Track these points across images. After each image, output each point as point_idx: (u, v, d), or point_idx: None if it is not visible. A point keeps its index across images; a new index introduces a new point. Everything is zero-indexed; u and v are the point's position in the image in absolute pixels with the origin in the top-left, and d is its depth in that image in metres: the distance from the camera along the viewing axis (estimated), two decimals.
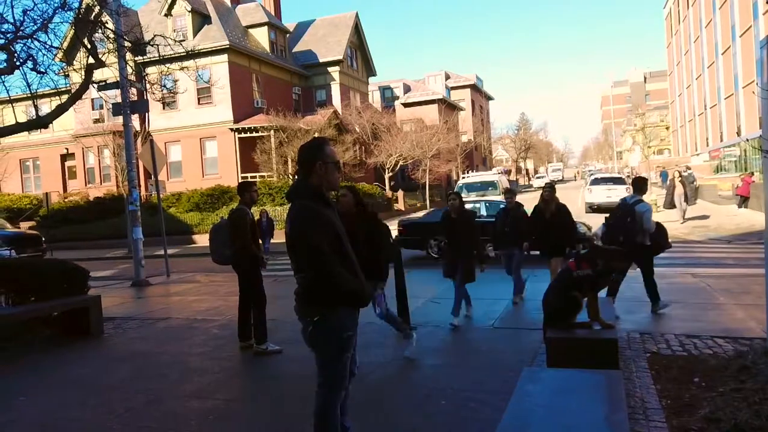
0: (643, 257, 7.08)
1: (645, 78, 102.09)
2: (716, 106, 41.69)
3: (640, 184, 7.40)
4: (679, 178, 19.14)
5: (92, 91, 17.15)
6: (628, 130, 79.76)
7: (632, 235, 6.91)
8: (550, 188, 8.16)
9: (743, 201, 21.50)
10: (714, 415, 3.69)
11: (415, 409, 4.38)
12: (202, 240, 21.27)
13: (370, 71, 39.91)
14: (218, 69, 27.50)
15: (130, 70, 13.47)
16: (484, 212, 13.85)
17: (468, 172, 34.81)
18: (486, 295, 8.44)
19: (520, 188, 54.52)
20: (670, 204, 19.96)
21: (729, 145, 37.06)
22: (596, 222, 20.52)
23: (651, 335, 5.97)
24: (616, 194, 25.02)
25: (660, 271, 10.38)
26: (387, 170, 32.08)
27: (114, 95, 13.58)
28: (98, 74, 11.34)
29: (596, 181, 26.83)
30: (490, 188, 22.01)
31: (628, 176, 34.97)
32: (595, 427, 2.63)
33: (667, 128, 65.85)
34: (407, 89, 48.33)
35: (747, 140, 23.35)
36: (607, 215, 7.67)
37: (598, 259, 4.64)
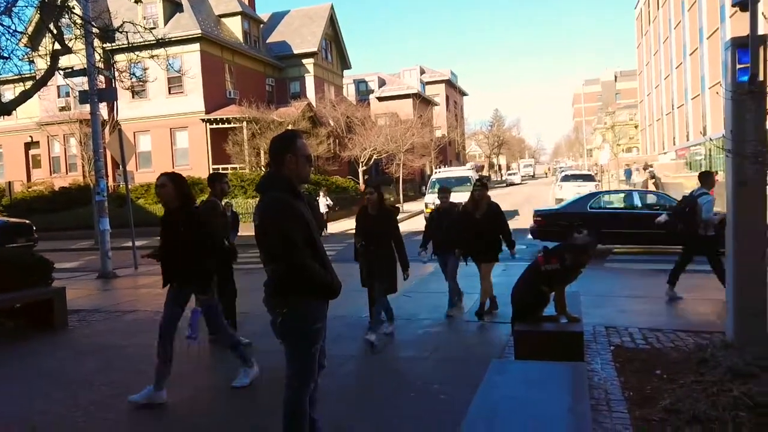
0: (707, 248, 7.40)
1: (616, 77, 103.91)
2: (683, 106, 42.72)
3: (705, 178, 7.76)
4: (653, 180, 17.54)
5: (58, 78, 16.68)
6: (598, 128, 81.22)
7: (693, 226, 7.38)
8: (480, 186, 7.25)
9: None
10: (674, 406, 3.80)
11: (385, 401, 4.41)
12: None
13: (345, 64, 39.72)
14: (190, 58, 27.02)
15: (98, 57, 13.13)
16: (638, 203, 13.15)
17: (441, 167, 34.95)
18: None
19: (493, 184, 55.02)
20: None
21: (694, 144, 38.02)
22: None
23: (616, 329, 6.11)
24: (586, 191, 25.56)
25: (625, 266, 10.68)
26: (361, 164, 32.02)
27: (81, 82, 13.22)
28: (65, 61, 11.03)
29: (566, 178, 27.37)
30: (465, 183, 21.37)
31: (597, 173, 35.61)
32: (558, 417, 2.69)
33: (636, 127, 67.20)
34: (382, 83, 48.29)
35: (711, 140, 24.00)
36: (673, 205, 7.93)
37: (567, 254, 4.72)
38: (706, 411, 3.59)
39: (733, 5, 5.46)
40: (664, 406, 3.85)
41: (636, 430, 3.61)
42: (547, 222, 12.79)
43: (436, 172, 23.64)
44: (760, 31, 4.90)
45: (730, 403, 3.66)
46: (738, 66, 4.93)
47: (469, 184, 21.11)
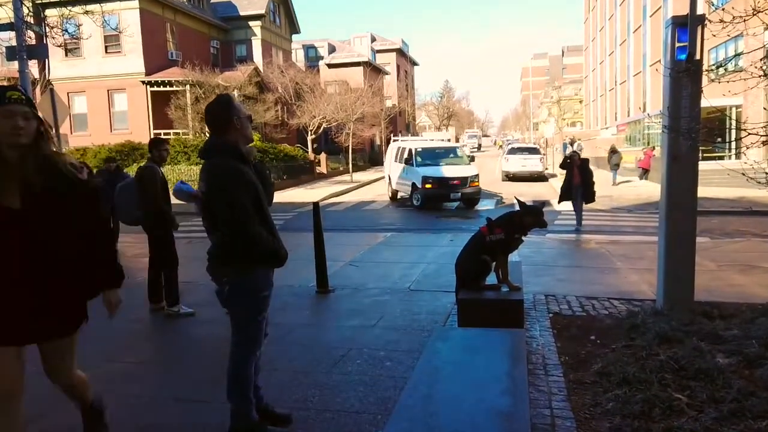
0: None
1: (563, 52, 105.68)
2: (626, 82, 43.97)
3: None
4: (579, 163, 12.15)
5: None
6: (545, 102, 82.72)
7: None
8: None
9: (644, 173, 23.08)
10: (606, 369, 4.00)
11: (331, 368, 4.44)
12: None
13: (294, 28, 38.68)
14: (128, 15, 25.59)
15: (26, 11, 12.24)
16: None
17: (402, 136, 34.72)
18: (403, 259, 8.63)
19: None
20: (566, 194, 12.10)
21: (634, 120, 39.35)
22: (512, 190, 21.22)
23: (555, 297, 6.34)
24: (531, 164, 26.05)
25: (565, 237, 11.07)
26: (310, 132, 31.52)
27: (8, 38, 12.31)
28: None
29: (513, 151, 27.75)
30: (451, 155, 18.23)
31: (542, 147, 36.45)
32: (497, 381, 2.79)
33: (581, 102, 68.87)
34: (332, 49, 47.37)
35: (649, 116, 24.93)
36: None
37: (510, 223, 4.83)
38: (635, 373, 3.79)
39: None
40: (597, 370, 4.05)
41: (569, 392, 3.79)
42: None
43: (394, 140, 20.81)
44: (699, 11, 5.06)
45: (657, 366, 3.88)
46: (677, 44, 5.08)
47: (454, 156, 18.34)
